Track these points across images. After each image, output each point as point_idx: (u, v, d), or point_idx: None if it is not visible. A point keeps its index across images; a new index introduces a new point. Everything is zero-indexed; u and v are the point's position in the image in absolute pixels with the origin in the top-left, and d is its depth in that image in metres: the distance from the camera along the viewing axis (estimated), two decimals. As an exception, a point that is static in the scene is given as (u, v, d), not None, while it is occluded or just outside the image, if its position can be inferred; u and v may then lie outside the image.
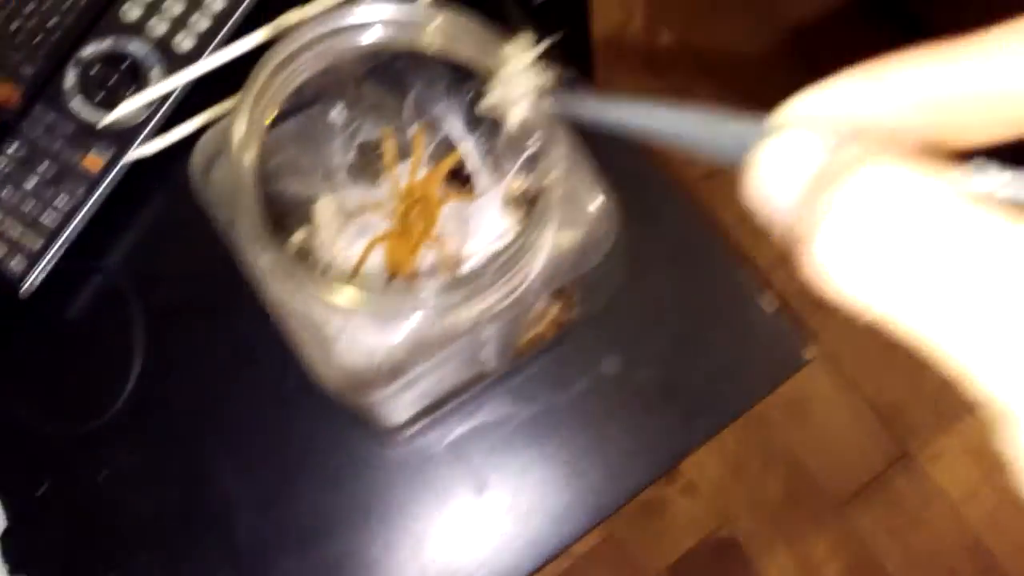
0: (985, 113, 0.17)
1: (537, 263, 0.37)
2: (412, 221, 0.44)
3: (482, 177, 0.48)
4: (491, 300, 0.37)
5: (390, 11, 0.37)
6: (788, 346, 0.59)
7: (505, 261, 0.34)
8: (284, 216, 0.49)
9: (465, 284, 0.34)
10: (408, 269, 0.45)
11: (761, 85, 1.43)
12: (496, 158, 0.49)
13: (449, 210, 0.49)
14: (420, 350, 0.37)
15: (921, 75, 0.17)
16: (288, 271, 0.33)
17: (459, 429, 0.53)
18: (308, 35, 0.37)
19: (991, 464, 1.34)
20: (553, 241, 0.41)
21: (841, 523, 1.29)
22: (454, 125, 0.47)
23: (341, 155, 0.48)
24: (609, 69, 1.43)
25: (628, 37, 1.52)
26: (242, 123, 0.34)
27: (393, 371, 0.37)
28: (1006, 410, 0.14)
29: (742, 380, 0.58)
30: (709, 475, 1.30)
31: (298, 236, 0.49)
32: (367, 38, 0.38)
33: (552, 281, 0.39)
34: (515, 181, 0.48)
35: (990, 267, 0.14)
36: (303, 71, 0.38)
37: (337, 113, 0.45)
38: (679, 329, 0.58)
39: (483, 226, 0.47)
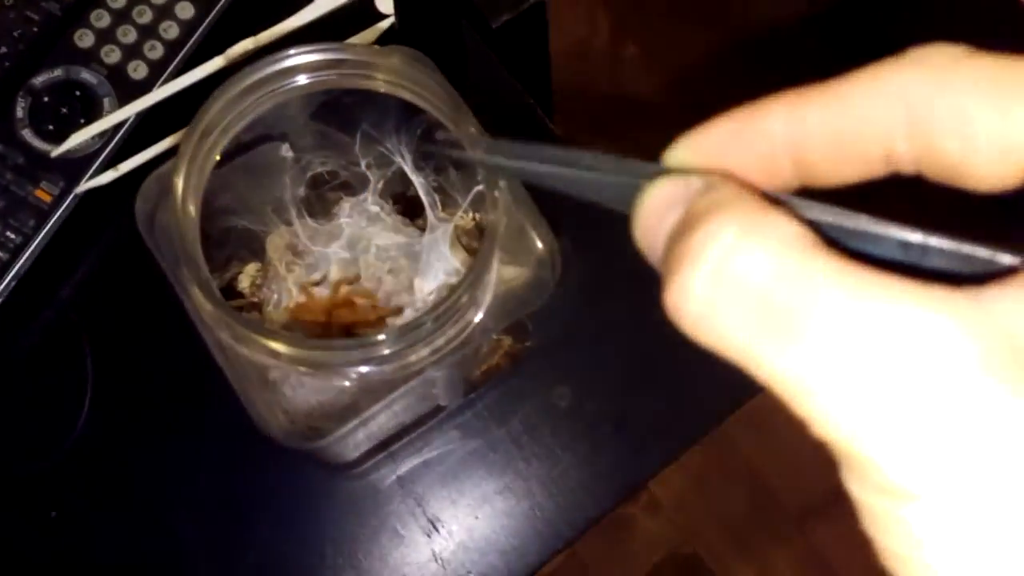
0: (846, 154, 0.18)
1: (483, 305, 0.38)
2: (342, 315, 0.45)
3: (433, 212, 0.48)
4: (438, 343, 0.37)
5: (339, 52, 0.37)
6: (741, 373, 0.60)
7: (449, 306, 0.35)
8: (235, 250, 0.49)
9: (410, 332, 0.34)
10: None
11: (728, 97, 1.45)
12: (447, 194, 0.50)
13: (400, 246, 0.49)
14: (368, 395, 0.37)
15: (786, 118, 0.18)
16: (232, 322, 0.33)
17: (411, 463, 0.53)
18: (255, 76, 0.37)
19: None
20: (499, 280, 0.41)
21: (803, 538, 1.30)
22: (406, 159, 0.47)
23: (292, 189, 0.48)
24: (571, 84, 1.44)
25: (592, 52, 1.54)
26: (182, 174, 0.34)
27: (340, 416, 0.37)
28: (848, 450, 0.15)
29: (699, 404, 0.59)
30: (672, 491, 1.31)
31: (249, 269, 0.49)
32: (316, 80, 0.38)
33: (500, 320, 0.40)
34: (465, 217, 0.49)
35: (821, 312, 0.15)
36: (249, 113, 0.38)
37: (287, 149, 0.45)
38: (635, 355, 0.59)
39: (433, 262, 0.48)
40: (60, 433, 0.52)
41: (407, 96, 0.39)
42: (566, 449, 0.56)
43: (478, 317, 0.38)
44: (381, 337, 0.34)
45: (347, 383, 0.37)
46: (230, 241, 0.48)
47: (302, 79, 0.37)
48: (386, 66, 0.37)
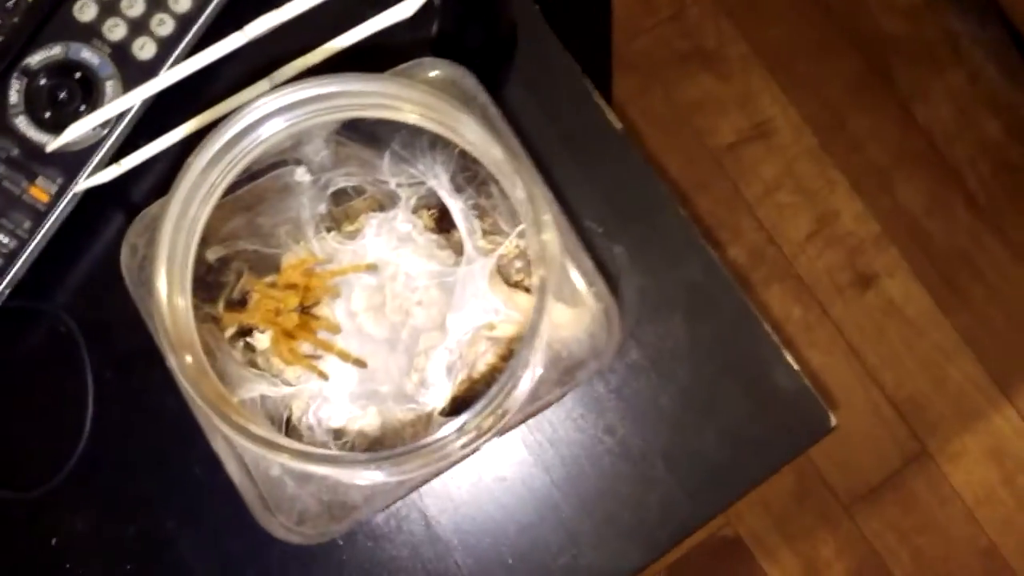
0: None
1: (531, 380, 0.32)
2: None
3: (472, 241, 0.42)
4: (477, 436, 0.31)
5: (363, 83, 0.31)
6: (811, 410, 0.53)
7: (495, 406, 0.29)
8: (239, 274, 0.43)
9: (437, 448, 0.28)
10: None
11: (793, 48, 1.34)
12: (488, 216, 0.43)
13: (433, 274, 0.43)
14: (384, 493, 0.32)
15: None
16: (226, 419, 0.28)
17: (437, 504, 0.48)
18: (267, 109, 0.31)
19: (1012, 466, 1.29)
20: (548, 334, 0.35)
21: (850, 524, 1.25)
22: (441, 181, 0.41)
23: (311, 208, 0.42)
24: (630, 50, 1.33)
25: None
26: (163, 268, 0.28)
27: (350, 514, 0.32)
28: None
29: (757, 448, 0.53)
30: (716, 467, 1.25)
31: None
32: (336, 111, 0.32)
33: (552, 393, 0.34)
34: (509, 251, 0.42)
35: None
36: (259, 145, 0.32)
37: (303, 173, 0.38)
38: (689, 389, 0.52)
39: (469, 298, 0.41)
40: (61, 455, 0.48)
41: (439, 131, 0.32)
42: (611, 490, 0.51)
43: (525, 393, 0.32)
44: (404, 450, 0.28)
45: (363, 483, 0.31)
46: (233, 266, 0.43)
47: (314, 114, 0.30)
48: (415, 98, 0.31)
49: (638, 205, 0.54)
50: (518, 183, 0.30)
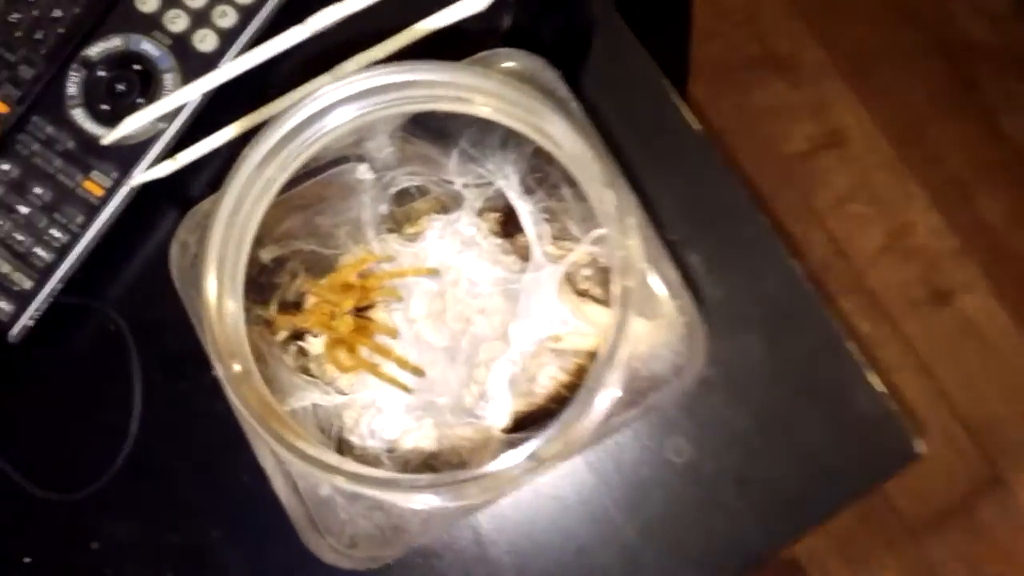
0: None
1: (607, 400, 0.29)
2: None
3: (540, 247, 0.39)
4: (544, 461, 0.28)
5: (432, 72, 0.28)
6: (895, 436, 0.49)
7: (565, 428, 0.26)
8: (294, 275, 0.41)
9: (503, 474, 0.26)
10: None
11: (870, 51, 1.29)
12: (559, 221, 0.40)
13: (497, 281, 0.40)
14: (441, 517, 0.29)
15: None
16: (274, 434, 0.25)
17: (490, 521, 0.45)
18: (330, 99, 0.29)
19: (1093, 497, 1.22)
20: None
21: (915, 549, 1.19)
22: (510, 182, 0.38)
23: (372, 208, 0.39)
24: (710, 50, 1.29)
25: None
26: (213, 269, 0.26)
27: (402, 538, 0.29)
28: None
29: (834, 475, 0.49)
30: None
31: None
32: (405, 103, 0.29)
33: (626, 415, 0.31)
34: (580, 258, 0.40)
35: None
36: (320, 139, 0.30)
37: (366, 170, 0.36)
38: (764, 409, 0.49)
39: (534, 307, 0.39)
40: (106, 457, 0.46)
41: (516, 126, 0.29)
42: (677, 515, 0.47)
43: (600, 416, 0.29)
44: (467, 476, 0.25)
45: (420, 508, 0.29)
46: (289, 263, 0.41)
47: (380, 106, 0.28)
48: (491, 90, 0.28)
49: (716, 211, 0.50)
50: (605, 184, 0.27)
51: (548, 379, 0.41)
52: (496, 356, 0.39)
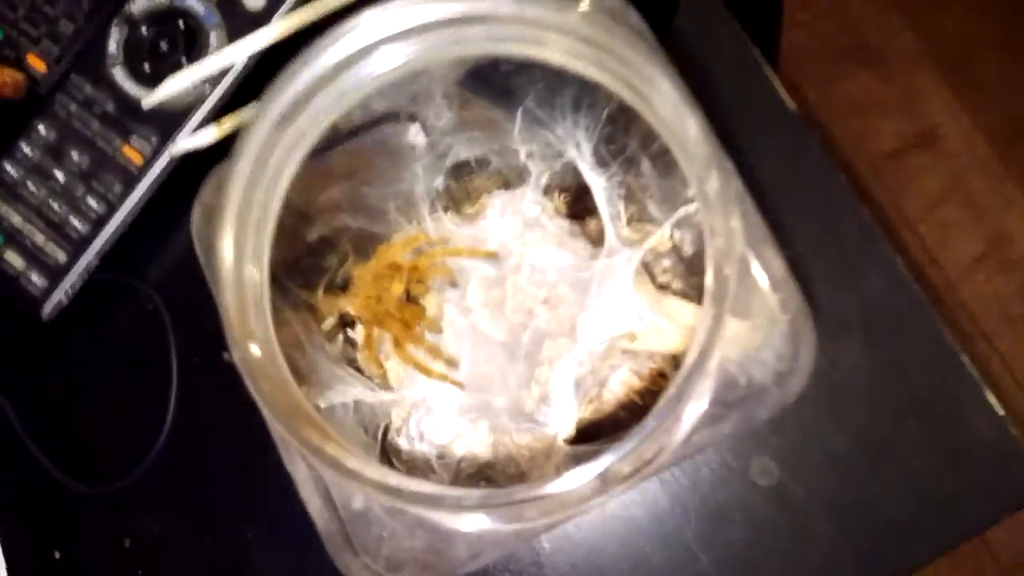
0: None
1: (695, 414, 0.24)
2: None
3: (615, 229, 0.34)
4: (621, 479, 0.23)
5: (504, 3, 0.23)
6: (1018, 465, 0.43)
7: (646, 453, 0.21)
8: (344, 258, 0.37)
9: (569, 498, 0.21)
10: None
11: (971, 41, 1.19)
12: (637, 201, 0.35)
13: (563, 269, 0.35)
14: (494, 542, 0.25)
15: None
16: (295, 432, 0.21)
17: (555, 542, 0.41)
18: (373, 34, 0.24)
19: None
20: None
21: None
22: (582, 152, 0.33)
23: (425, 181, 0.35)
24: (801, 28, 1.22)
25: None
26: (230, 228, 0.22)
27: (447, 563, 0.25)
28: None
29: (947, 506, 0.43)
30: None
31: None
32: (463, 43, 0.24)
33: (715, 435, 0.26)
34: (661, 244, 0.34)
35: None
36: (361, 84, 0.25)
37: (417, 132, 0.32)
38: (866, 427, 0.43)
39: (607, 298, 0.34)
40: (141, 447, 0.43)
41: (593, 74, 0.25)
42: (761, 542, 0.42)
43: (686, 431, 0.24)
44: (525, 494, 0.21)
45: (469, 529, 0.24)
46: (337, 243, 0.36)
47: (432, 45, 0.23)
48: (565, 27, 0.23)
49: (811, 199, 0.45)
50: (706, 157, 0.22)
51: (619, 383, 0.37)
52: (561, 354, 0.34)
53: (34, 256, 0.42)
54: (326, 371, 0.33)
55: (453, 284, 0.36)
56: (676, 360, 0.36)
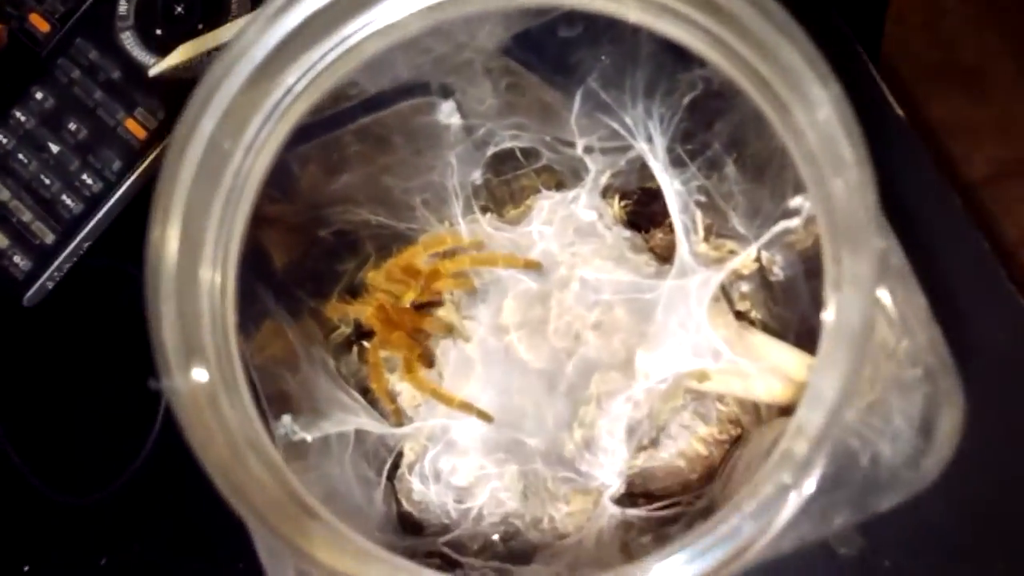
0: None
1: (775, 522, 0.17)
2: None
3: (689, 244, 0.27)
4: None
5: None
6: None
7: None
8: (364, 261, 0.31)
9: None
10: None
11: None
12: (717, 211, 0.29)
13: (622, 287, 0.29)
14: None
15: None
16: (241, 496, 0.15)
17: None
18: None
19: None
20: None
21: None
22: (654, 147, 0.27)
23: (459, 172, 0.29)
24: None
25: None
26: (176, 217, 0.16)
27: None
28: None
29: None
30: None
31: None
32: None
33: (796, 534, 0.19)
34: (746, 265, 0.28)
35: None
36: (375, 40, 0.19)
37: (451, 111, 0.26)
38: (973, 499, 0.36)
39: (675, 328, 0.27)
40: (125, 453, 0.38)
41: (677, 35, 0.18)
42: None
43: (782, 521, 0.18)
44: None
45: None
46: (357, 244, 0.31)
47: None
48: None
49: (921, 225, 0.38)
50: (843, 143, 0.16)
51: (680, 428, 0.30)
52: (612, 391, 0.28)
53: (19, 235, 0.37)
54: (323, 394, 0.27)
55: (470, 290, 0.30)
56: (756, 408, 0.29)
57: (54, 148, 0.37)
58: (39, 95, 0.38)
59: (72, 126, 0.37)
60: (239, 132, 0.18)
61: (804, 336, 0.29)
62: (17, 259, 0.37)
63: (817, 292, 0.25)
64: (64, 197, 0.37)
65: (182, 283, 0.16)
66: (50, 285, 0.38)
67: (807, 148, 0.19)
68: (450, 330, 0.29)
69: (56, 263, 0.37)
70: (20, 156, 0.38)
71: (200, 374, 0.16)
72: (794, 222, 0.24)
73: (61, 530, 0.39)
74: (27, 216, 0.37)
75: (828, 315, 0.17)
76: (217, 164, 0.18)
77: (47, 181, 0.37)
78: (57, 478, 0.39)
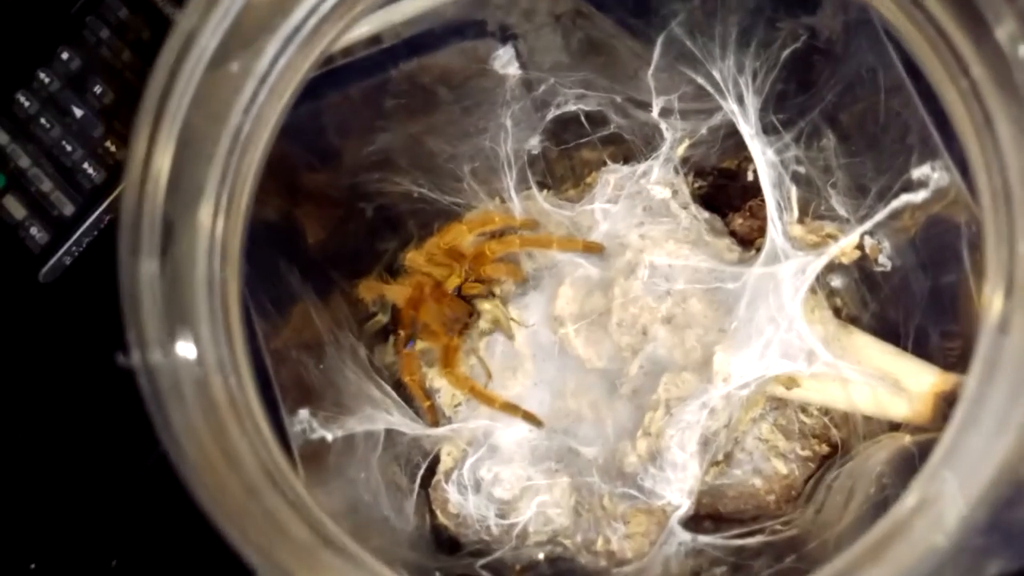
0: None
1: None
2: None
3: (781, 225, 0.23)
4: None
5: None
6: None
7: None
8: (406, 241, 0.28)
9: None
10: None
11: None
12: (818, 196, 0.25)
13: (699, 274, 0.25)
14: None
15: None
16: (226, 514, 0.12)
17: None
18: None
19: None
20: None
21: None
22: (746, 110, 0.23)
23: (516, 137, 0.25)
24: None
25: None
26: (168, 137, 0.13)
27: None
28: None
29: None
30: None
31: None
32: None
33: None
34: (847, 252, 0.24)
35: None
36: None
37: (509, 59, 0.22)
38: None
39: (763, 323, 0.23)
40: (141, 445, 0.35)
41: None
42: None
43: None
44: None
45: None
46: (399, 220, 0.28)
47: None
48: None
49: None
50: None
51: (756, 442, 0.26)
52: (684, 396, 0.24)
53: (38, 205, 0.35)
54: (351, 387, 0.23)
55: (520, 280, 0.26)
56: (852, 421, 0.25)
57: (78, 113, 0.35)
58: (64, 55, 0.35)
59: (97, 89, 0.35)
60: (251, 57, 0.15)
61: (916, 342, 0.25)
62: (34, 231, 0.35)
63: (941, 288, 0.21)
64: (86, 165, 0.35)
65: (172, 227, 0.13)
66: (68, 260, 0.35)
67: (968, 92, 0.14)
68: (494, 325, 0.26)
69: (75, 236, 0.35)
70: (43, 121, 0.35)
71: (186, 349, 0.13)
72: (919, 195, 0.19)
73: (71, 527, 0.36)
74: (46, 185, 0.35)
75: (989, 322, 0.13)
76: (222, 91, 0.14)
77: (69, 148, 0.35)
78: (68, 470, 0.36)
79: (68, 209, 0.35)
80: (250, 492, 0.13)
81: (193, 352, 0.13)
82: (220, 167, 0.15)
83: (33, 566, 0.36)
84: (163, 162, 0.13)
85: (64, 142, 0.35)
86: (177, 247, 0.13)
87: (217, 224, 0.14)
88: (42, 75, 0.35)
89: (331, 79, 0.20)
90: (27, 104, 0.35)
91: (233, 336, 0.14)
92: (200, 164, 0.14)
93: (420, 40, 0.20)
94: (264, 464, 0.13)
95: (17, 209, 0.35)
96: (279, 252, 0.24)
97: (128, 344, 0.13)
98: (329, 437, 0.21)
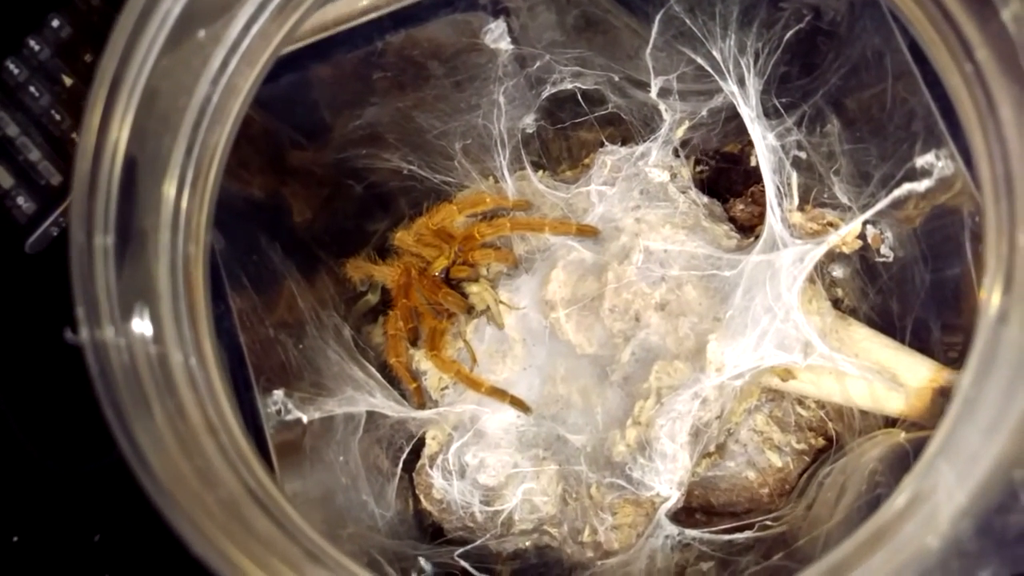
0: None
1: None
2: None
3: (781, 209, 0.23)
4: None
5: None
6: None
7: None
8: (398, 220, 0.27)
9: None
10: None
11: None
12: (819, 182, 0.24)
13: (694, 261, 0.24)
14: None
15: None
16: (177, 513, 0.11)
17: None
18: None
19: None
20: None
21: None
22: (746, 91, 0.22)
23: (509, 115, 0.25)
24: None
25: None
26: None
27: None
28: None
29: None
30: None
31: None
32: None
33: None
34: (848, 241, 0.23)
35: None
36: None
37: (502, 33, 0.21)
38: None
39: (759, 312, 0.23)
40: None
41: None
42: None
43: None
44: None
45: None
46: (390, 198, 0.27)
47: None
48: None
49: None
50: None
51: (750, 433, 0.26)
52: (677, 385, 0.24)
53: (25, 174, 0.34)
54: (332, 367, 0.23)
55: (511, 265, 0.26)
56: (848, 415, 0.24)
57: (68, 81, 0.34)
58: (55, 22, 0.34)
59: (88, 57, 0.34)
60: (222, 23, 0.14)
61: (916, 335, 0.24)
62: (21, 200, 0.34)
63: (942, 280, 0.21)
64: (75, 135, 0.34)
65: (131, 201, 0.12)
66: (55, 232, 0.34)
67: (972, 76, 0.14)
68: (479, 310, 0.25)
69: (62, 207, 0.34)
70: (32, 90, 0.34)
71: (142, 326, 0.12)
72: (923, 184, 0.19)
73: (54, 501, 0.36)
74: (35, 155, 0.34)
75: (987, 315, 0.12)
76: (189, 59, 0.14)
77: (58, 117, 0.34)
78: (53, 444, 0.36)
79: (56, 179, 0.34)
80: (206, 481, 0.12)
81: (150, 329, 0.13)
82: (186, 139, 0.14)
83: (16, 539, 0.36)
84: (121, 132, 0.13)
85: (53, 111, 0.34)
86: (137, 221, 0.13)
87: (182, 199, 0.14)
88: (32, 42, 0.35)
89: (316, 50, 0.20)
90: (16, 72, 0.35)
91: (197, 314, 0.14)
92: (164, 135, 0.13)
93: (409, 11, 0.19)
94: (223, 448, 0.13)
95: (4, 178, 0.34)
96: (260, 228, 0.23)
97: (76, 320, 0.12)
98: (305, 419, 0.20)
